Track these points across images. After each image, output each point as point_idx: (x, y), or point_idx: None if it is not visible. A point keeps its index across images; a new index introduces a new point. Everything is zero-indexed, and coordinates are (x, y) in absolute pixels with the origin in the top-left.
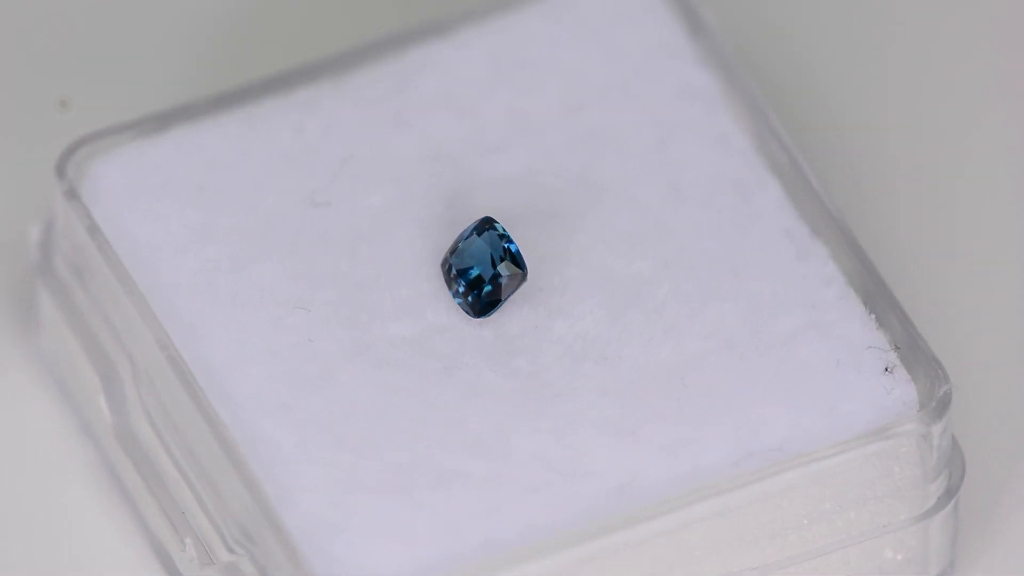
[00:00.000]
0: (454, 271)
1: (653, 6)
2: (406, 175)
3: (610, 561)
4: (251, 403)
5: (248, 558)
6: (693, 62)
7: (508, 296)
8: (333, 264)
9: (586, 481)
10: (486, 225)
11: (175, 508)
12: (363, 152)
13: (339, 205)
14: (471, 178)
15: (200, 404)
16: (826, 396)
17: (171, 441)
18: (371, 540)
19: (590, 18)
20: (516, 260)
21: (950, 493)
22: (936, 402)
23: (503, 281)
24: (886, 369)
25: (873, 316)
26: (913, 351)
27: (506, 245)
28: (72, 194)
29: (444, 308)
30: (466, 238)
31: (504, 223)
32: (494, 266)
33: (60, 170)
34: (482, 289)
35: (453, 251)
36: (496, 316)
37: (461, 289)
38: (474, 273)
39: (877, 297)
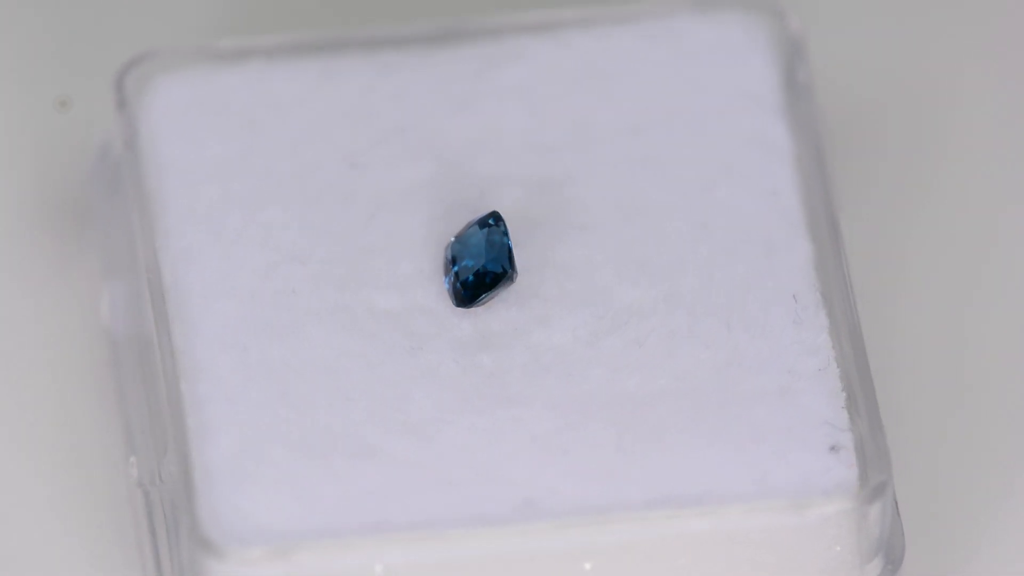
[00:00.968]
0: (450, 256)
1: (755, 48)
2: (451, 156)
3: (498, 570)
4: (213, 337)
5: (160, 488)
6: (774, 113)
7: (492, 293)
8: (346, 226)
9: (499, 487)
10: (491, 220)
11: (128, 425)
12: (419, 126)
13: (374, 171)
14: (513, 173)
15: (160, 326)
16: (764, 460)
17: (140, 361)
18: (272, 495)
19: (687, 46)
20: (508, 260)
21: None
22: (870, 490)
23: (488, 279)
24: (832, 448)
25: (844, 395)
26: (868, 439)
27: (503, 242)
28: (123, 102)
29: (435, 291)
30: (470, 227)
31: (528, 224)
32: (484, 261)
33: (119, 78)
34: (468, 280)
35: (458, 237)
36: (482, 311)
37: (450, 276)
38: (464, 263)
39: (855, 379)
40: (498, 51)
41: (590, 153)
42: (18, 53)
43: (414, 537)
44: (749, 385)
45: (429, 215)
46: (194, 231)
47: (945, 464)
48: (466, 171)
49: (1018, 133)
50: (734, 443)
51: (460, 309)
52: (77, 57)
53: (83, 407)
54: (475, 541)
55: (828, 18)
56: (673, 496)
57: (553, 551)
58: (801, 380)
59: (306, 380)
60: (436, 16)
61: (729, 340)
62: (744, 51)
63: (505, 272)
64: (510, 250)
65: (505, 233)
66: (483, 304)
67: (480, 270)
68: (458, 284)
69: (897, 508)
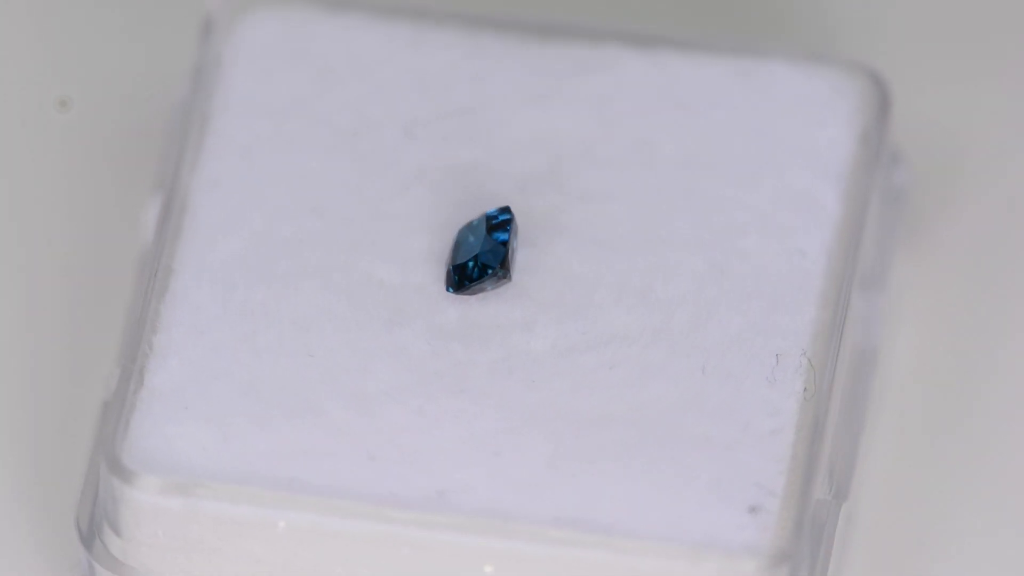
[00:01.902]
0: (456, 241)
1: (838, 108)
2: (504, 148)
3: (397, 553)
4: (207, 267)
5: (112, 404)
6: (832, 176)
7: (480, 284)
8: (379, 191)
9: (417, 474)
10: (501, 214)
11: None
12: (486, 112)
13: (426, 145)
14: (559, 178)
15: (163, 244)
16: (683, 504)
17: (141, 275)
18: (198, 430)
19: (774, 92)
20: (502, 257)
21: None
22: (771, 559)
23: (475, 271)
24: (752, 509)
25: (788, 462)
26: (793, 510)
27: (504, 239)
28: (210, 26)
29: (436, 274)
30: (481, 218)
31: (552, 230)
32: (479, 252)
33: (209, 15)
34: (458, 266)
35: (469, 224)
36: (475, 302)
37: (449, 260)
38: (462, 249)
39: (804, 450)
40: (591, 56)
41: (638, 175)
42: None
43: (321, 502)
44: (700, 431)
45: (461, 199)
46: (230, 162)
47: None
48: (513, 165)
49: None
50: (661, 483)
51: (452, 296)
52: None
53: (103, 319)
54: (379, 520)
55: (918, 77)
56: (582, 520)
57: (455, 547)
58: (752, 438)
59: (276, 329)
60: (546, 8)
61: (699, 384)
62: (826, 109)
63: (493, 268)
64: (506, 248)
65: (508, 231)
66: (476, 294)
67: (472, 260)
68: (452, 268)
69: None
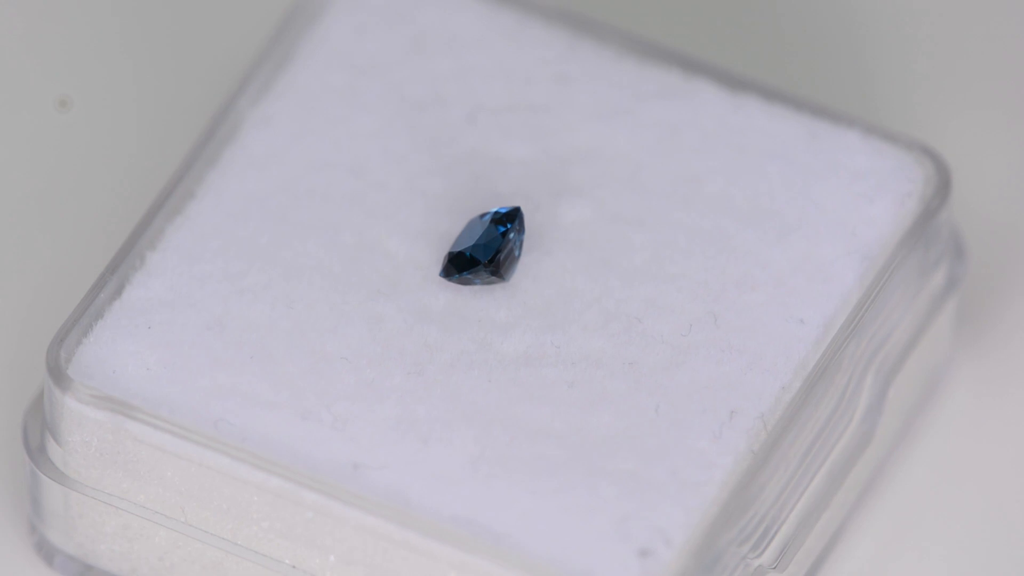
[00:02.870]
0: (464, 229)
1: (890, 186)
2: (556, 154)
3: (298, 514)
4: (224, 202)
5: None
6: (859, 255)
7: (467, 276)
8: (419, 166)
9: (339, 442)
10: (512, 214)
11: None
12: (553, 113)
13: (484, 133)
14: (598, 194)
15: (191, 167)
16: (578, 532)
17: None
18: (151, 352)
19: (836, 158)
20: (495, 256)
21: None
22: None
23: (461, 263)
24: (643, 552)
25: (697, 513)
26: (685, 562)
27: (497, 237)
28: None
29: (439, 254)
30: (495, 211)
31: (570, 243)
32: (472, 244)
33: None
34: (451, 253)
35: (481, 216)
36: (467, 293)
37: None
38: (463, 238)
39: (719, 508)
40: (676, 84)
41: (674, 209)
42: None
43: (236, 450)
44: (628, 466)
45: (496, 192)
46: (290, 105)
47: None
48: (559, 172)
49: None
50: (568, 506)
51: (445, 282)
52: None
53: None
54: (286, 479)
55: (981, 162)
56: (476, 523)
57: (353, 524)
58: (674, 484)
59: (267, 274)
60: (653, 29)
61: (647, 422)
62: (878, 186)
63: (479, 263)
64: (499, 246)
65: (509, 229)
66: (466, 285)
67: (463, 251)
68: (449, 253)
69: None
